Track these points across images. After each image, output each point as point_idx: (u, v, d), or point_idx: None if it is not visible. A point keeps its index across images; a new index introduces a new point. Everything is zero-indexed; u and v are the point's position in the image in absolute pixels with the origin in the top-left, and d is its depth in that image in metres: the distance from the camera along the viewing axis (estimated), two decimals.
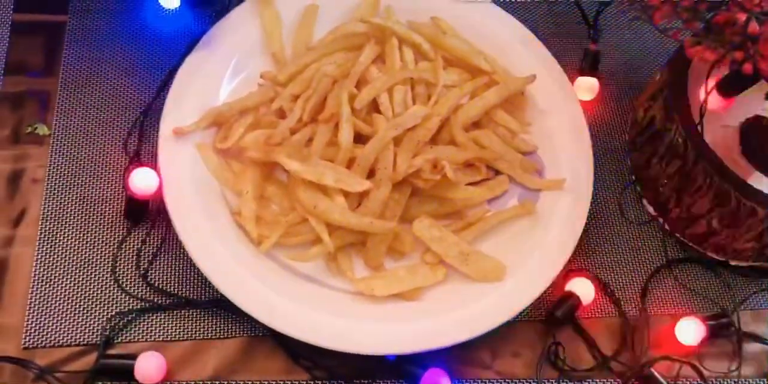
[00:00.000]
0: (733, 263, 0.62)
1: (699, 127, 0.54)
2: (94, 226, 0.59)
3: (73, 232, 0.58)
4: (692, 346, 0.58)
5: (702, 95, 0.54)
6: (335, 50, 0.64)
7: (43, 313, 0.55)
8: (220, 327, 0.56)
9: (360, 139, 0.59)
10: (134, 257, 0.58)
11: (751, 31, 0.47)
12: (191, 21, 0.67)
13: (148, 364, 0.53)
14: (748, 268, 0.62)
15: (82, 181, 0.60)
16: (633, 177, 0.64)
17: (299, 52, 0.64)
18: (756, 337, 0.60)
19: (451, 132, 0.61)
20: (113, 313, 0.56)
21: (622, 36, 0.73)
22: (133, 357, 0.53)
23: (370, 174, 0.58)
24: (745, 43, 0.47)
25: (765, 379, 0.59)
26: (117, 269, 0.57)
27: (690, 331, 0.57)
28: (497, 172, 0.62)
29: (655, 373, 0.56)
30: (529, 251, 0.58)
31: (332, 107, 0.59)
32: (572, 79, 0.66)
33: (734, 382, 0.58)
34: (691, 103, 0.56)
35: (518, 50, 0.66)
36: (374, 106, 0.61)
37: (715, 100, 0.56)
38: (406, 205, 0.59)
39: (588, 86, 0.67)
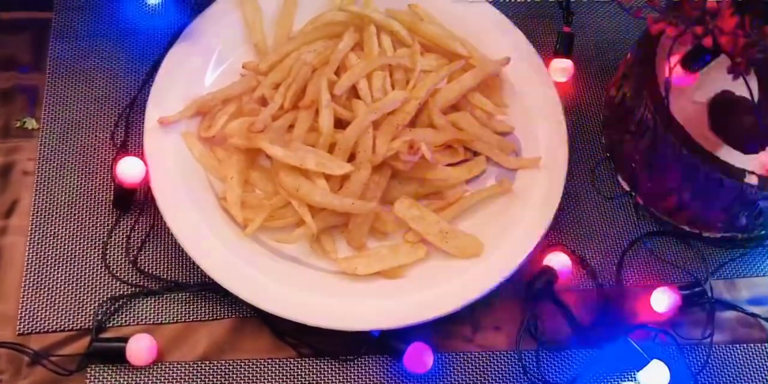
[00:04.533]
0: (705, 235, 0.63)
1: (665, 102, 0.56)
2: (83, 215, 0.60)
3: (63, 222, 0.60)
4: (667, 314, 0.59)
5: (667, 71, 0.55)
6: (315, 39, 0.65)
7: (37, 300, 0.57)
8: (208, 309, 0.58)
9: (340, 124, 0.61)
10: (124, 244, 0.59)
11: (709, 7, 0.48)
12: (174, 14, 0.68)
13: (139, 346, 0.54)
14: (720, 239, 0.64)
15: (71, 172, 0.62)
16: (607, 154, 0.66)
17: (280, 42, 0.66)
18: (728, 305, 0.62)
19: (429, 115, 0.62)
20: (105, 298, 0.57)
21: (595, 18, 0.74)
22: (125, 340, 0.55)
23: (351, 157, 0.60)
24: (704, 17, 0.48)
25: (737, 345, 0.60)
26: (107, 256, 0.59)
27: (664, 300, 0.59)
28: (475, 153, 0.64)
29: (631, 341, 0.57)
30: (507, 228, 0.60)
31: (312, 94, 0.61)
32: (547, 62, 0.68)
33: (707, 348, 0.60)
34: (659, 80, 0.58)
35: (493, 35, 0.67)
36: (354, 92, 0.62)
37: (680, 76, 0.58)
38: (387, 186, 0.60)
39: (562, 68, 0.69)
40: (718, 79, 0.58)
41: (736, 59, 0.51)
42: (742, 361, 0.61)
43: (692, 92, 0.59)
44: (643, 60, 0.59)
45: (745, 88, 0.53)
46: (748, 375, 0.60)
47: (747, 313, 0.62)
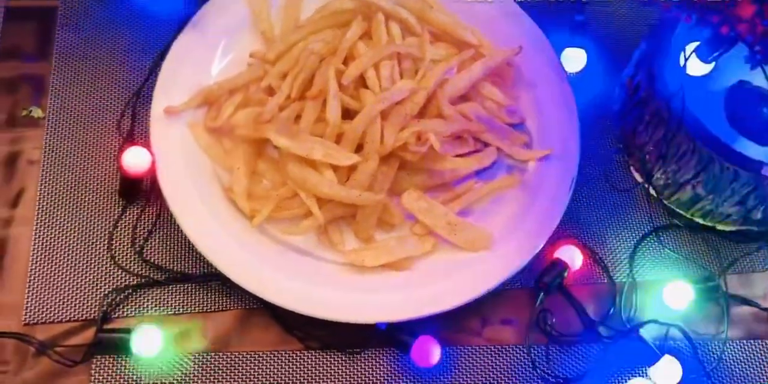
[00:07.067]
0: (719, 228, 0.62)
1: (680, 93, 0.54)
2: (89, 205, 0.60)
3: (69, 212, 0.59)
4: (679, 309, 0.58)
5: (683, 61, 0.54)
6: (323, 27, 0.64)
7: (43, 291, 0.56)
8: (214, 300, 0.58)
9: (348, 114, 0.60)
10: (130, 234, 0.59)
11: None
12: (181, 2, 0.68)
13: (145, 337, 0.54)
14: (734, 233, 0.62)
15: (77, 161, 0.61)
16: (620, 145, 0.65)
17: (288, 31, 0.65)
18: (742, 300, 0.61)
19: (438, 105, 0.61)
20: (110, 289, 0.57)
21: (608, 6, 0.73)
22: (130, 331, 0.54)
23: (359, 148, 0.59)
24: (721, 5, 0.47)
25: (752, 341, 0.59)
26: (113, 246, 0.59)
27: (677, 295, 0.58)
28: (486, 144, 0.63)
29: (642, 336, 0.56)
30: (517, 221, 0.59)
31: (320, 84, 0.60)
32: (559, 51, 0.67)
33: (721, 343, 0.59)
34: (674, 70, 0.57)
35: (504, 23, 0.66)
36: (362, 82, 0.61)
37: (696, 66, 0.56)
38: (396, 178, 0.59)
39: (575, 57, 0.67)
40: (735, 69, 0.57)
41: (755, 48, 0.49)
42: (757, 358, 0.60)
43: (709, 82, 0.58)
44: (657, 49, 0.58)
45: (763, 78, 0.52)
46: (764, 371, 0.59)
47: (762, 309, 0.61)
